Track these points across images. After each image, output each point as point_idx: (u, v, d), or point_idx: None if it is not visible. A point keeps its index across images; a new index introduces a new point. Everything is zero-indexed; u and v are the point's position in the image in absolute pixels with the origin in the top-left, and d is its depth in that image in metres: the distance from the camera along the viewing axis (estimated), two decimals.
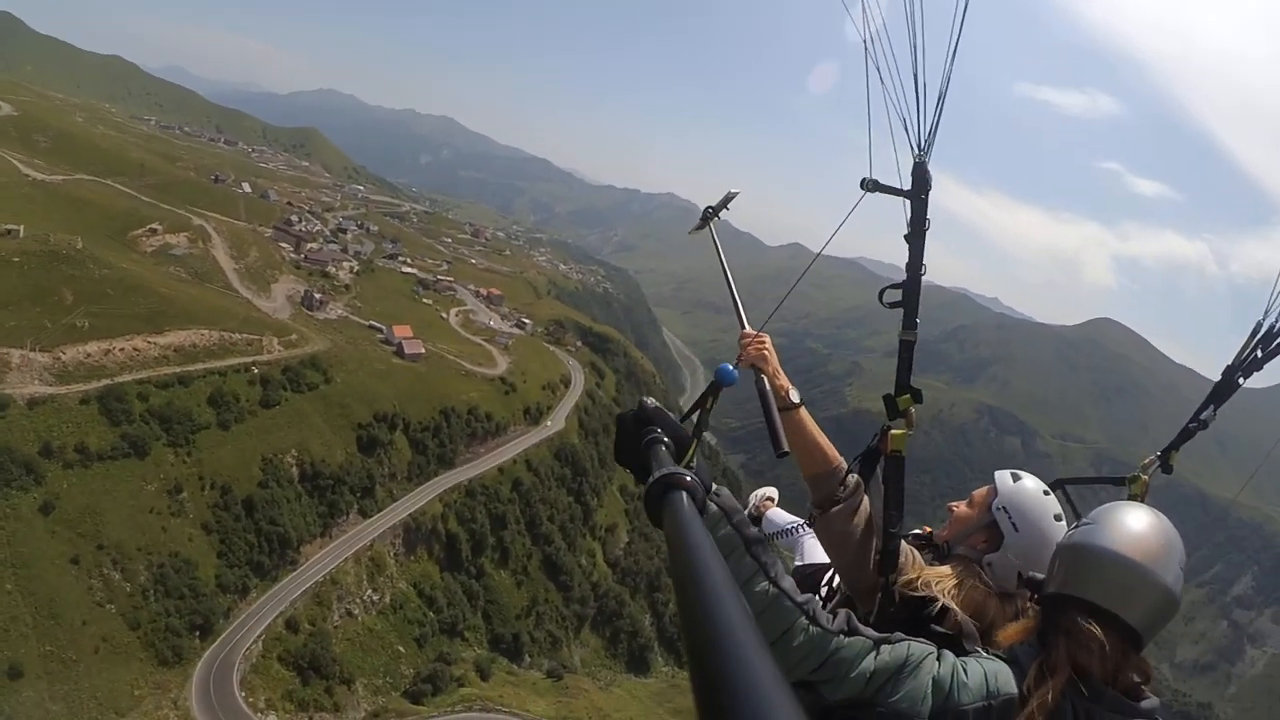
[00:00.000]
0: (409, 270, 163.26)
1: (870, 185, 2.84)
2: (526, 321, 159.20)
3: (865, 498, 3.18)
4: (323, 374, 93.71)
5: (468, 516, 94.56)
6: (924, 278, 2.86)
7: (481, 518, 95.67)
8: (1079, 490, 3.99)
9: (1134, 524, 2.62)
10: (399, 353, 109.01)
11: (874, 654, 2.53)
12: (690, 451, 2.33)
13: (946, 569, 3.24)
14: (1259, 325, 3.84)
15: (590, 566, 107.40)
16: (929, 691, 2.50)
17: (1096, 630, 2.54)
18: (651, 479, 1.72)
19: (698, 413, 2.67)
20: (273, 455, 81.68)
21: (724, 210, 4.67)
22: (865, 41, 2.79)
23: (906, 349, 3.02)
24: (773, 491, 5.66)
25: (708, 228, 4.62)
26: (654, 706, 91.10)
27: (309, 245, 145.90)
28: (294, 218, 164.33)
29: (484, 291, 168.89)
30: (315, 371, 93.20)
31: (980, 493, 3.50)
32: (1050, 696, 2.49)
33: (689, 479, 1.69)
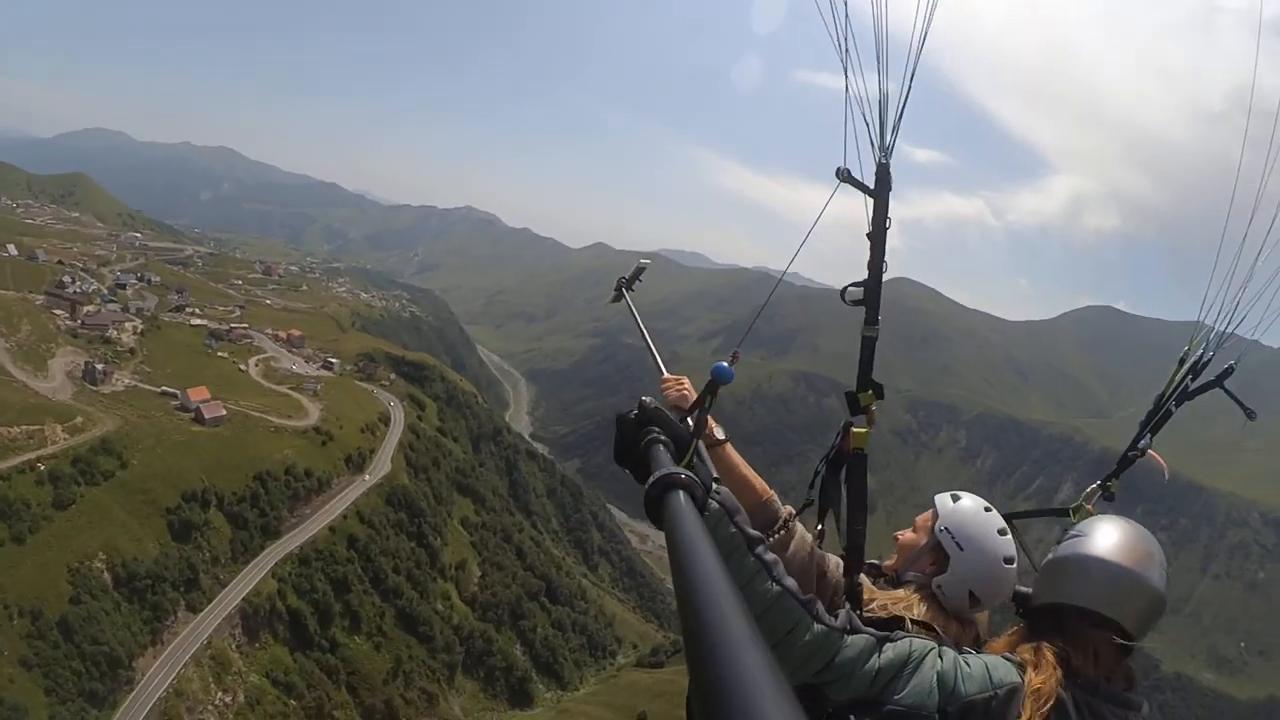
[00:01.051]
0: (199, 322, 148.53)
1: (844, 175, 2.89)
2: (334, 361, 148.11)
3: (800, 528, 3.36)
4: (117, 458, 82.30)
5: (306, 587, 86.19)
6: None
7: (322, 585, 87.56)
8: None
9: (1119, 533, 2.76)
10: (198, 419, 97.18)
11: (878, 652, 2.58)
12: (690, 451, 2.36)
13: (901, 592, 3.31)
14: (1185, 355, 4.14)
15: (448, 610, 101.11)
16: (935, 686, 2.55)
17: (1095, 633, 2.68)
18: (651, 479, 1.72)
19: (697, 412, 2.69)
20: (79, 564, 70.66)
21: (637, 281, 5.13)
22: (842, 56, 2.89)
23: (868, 345, 3.06)
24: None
25: (624, 298, 5.00)
26: None
27: (85, 309, 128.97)
28: (67, 278, 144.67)
29: (283, 334, 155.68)
30: (109, 457, 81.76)
31: (923, 517, 3.55)
32: (1050, 685, 2.58)
33: (689, 478, 1.70)
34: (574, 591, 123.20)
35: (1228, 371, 4.13)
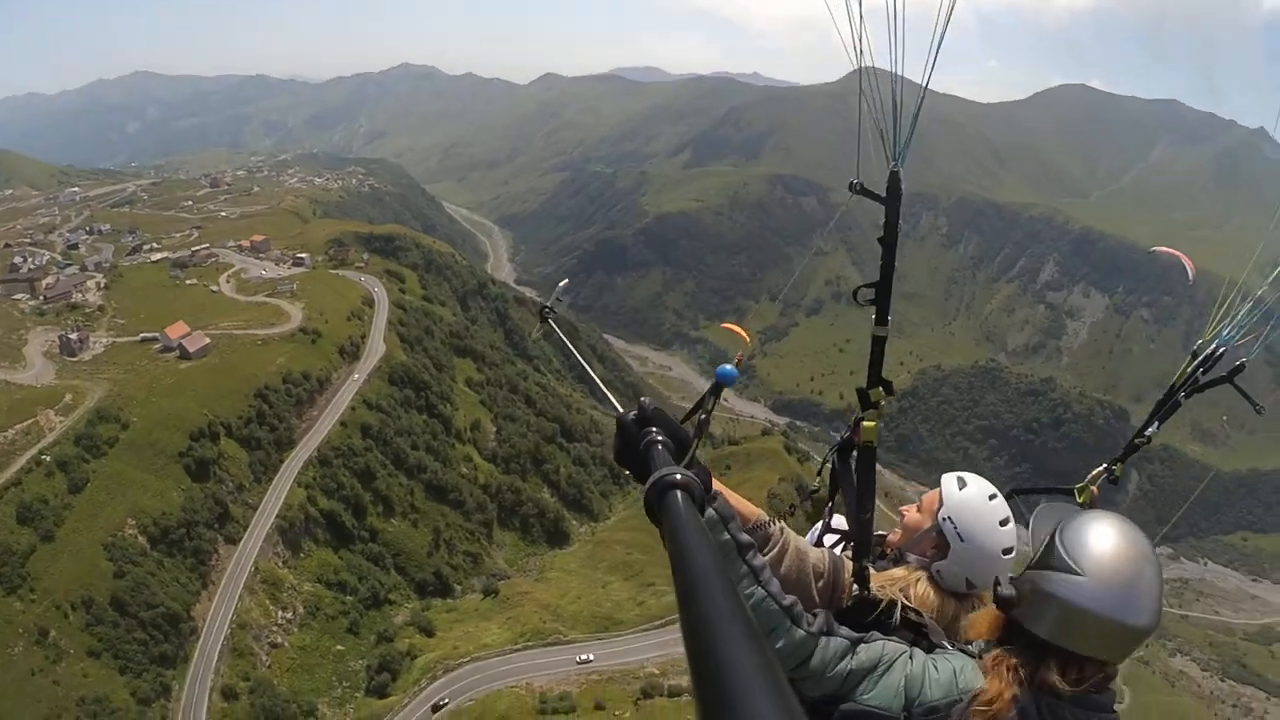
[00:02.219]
0: (159, 256, 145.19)
1: (858, 189, 3.05)
2: (303, 256, 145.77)
3: (792, 539, 3.40)
4: (116, 421, 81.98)
5: (333, 486, 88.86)
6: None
7: (348, 479, 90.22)
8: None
9: (1119, 575, 2.53)
10: (183, 355, 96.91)
11: (851, 654, 2.70)
12: (690, 451, 2.37)
13: (901, 571, 3.42)
14: (1198, 349, 4.24)
15: (473, 471, 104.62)
16: (902, 689, 2.67)
17: (1078, 662, 2.62)
18: (651, 479, 1.74)
19: (699, 414, 2.72)
20: (112, 537, 71.27)
21: (558, 303, 4.98)
22: (859, 72, 3.05)
23: (879, 344, 3.18)
24: None
25: (549, 324, 4.86)
26: (590, 572, 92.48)
27: (45, 282, 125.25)
28: (18, 259, 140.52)
29: (246, 243, 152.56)
30: (108, 424, 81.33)
31: (929, 498, 3.61)
32: (1004, 698, 2.59)
33: (688, 479, 1.71)
34: (587, 426, 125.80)
35: (1238, 369, 4.30)
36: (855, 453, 3.34)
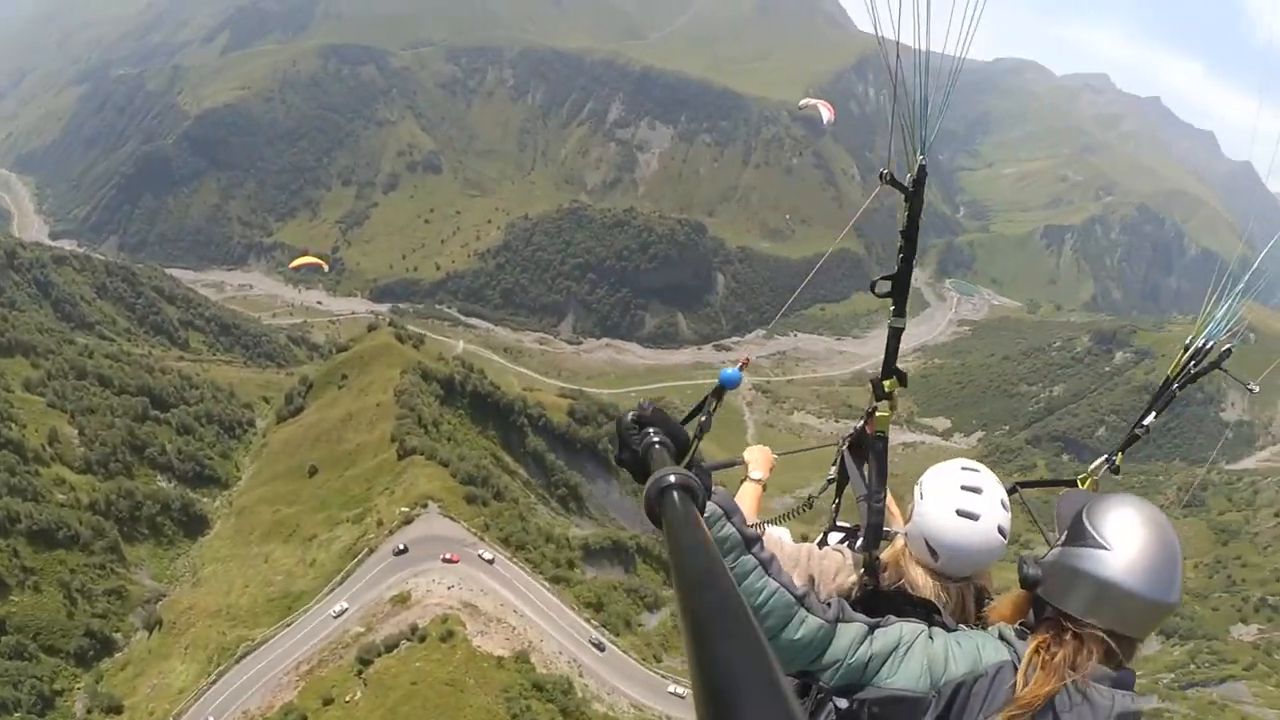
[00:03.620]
0: None
1: (888, 179, 3.00)
2: None
3: (768, 532, 3.61)
4: None
5: None
6: None
7: None
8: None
9: (1146, 551, 2.60)
10: None
11: (869, 639, 2.67)
12: (690, 452, 2.37)
13: (888, 552, 3.41)
14: (1189, 343, 4.53)
15: (70, 494, 75.57)
16: (926, 668, 2.64)
17: (1105, 647, 2.64)
18: (650, 479, 1.72)
19: (700, 415, 2.74)
20: None
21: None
22: (892, 74, 3.10)
23: (895, 336, 3.20)
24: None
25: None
26: (245, 550, 77.06)
27: None
28: None
29: None
30: None
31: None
32: (1048, 690, 2.58)
33: (688, 479, 1.70)
34: (179, 385, 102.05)
35: (1226, 353, 4.50)
36: (865, 444, 3.49)
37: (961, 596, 3.21)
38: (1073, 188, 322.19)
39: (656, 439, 2.23)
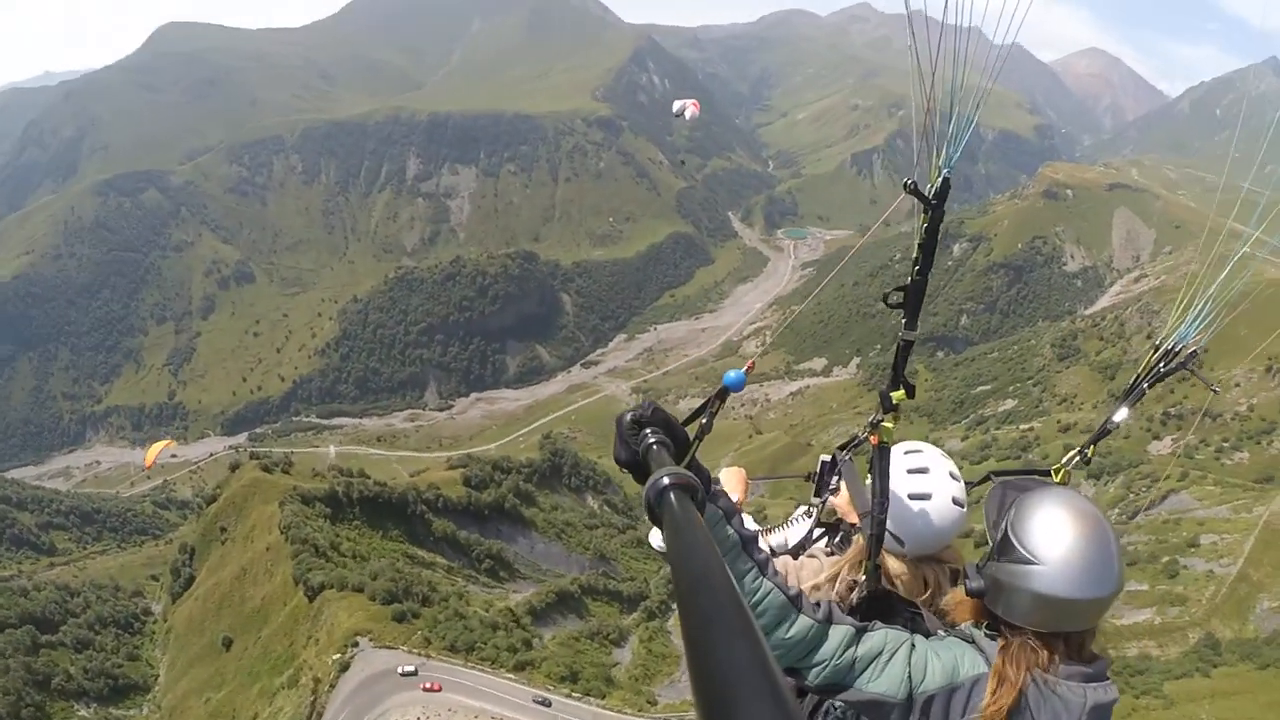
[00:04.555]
0: None
1: (911, 188, 2.98)
2: None
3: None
4: None
5: None
6: None
7: None
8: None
9: (1077, 553, 2.65)
10: None
11: (855, 643, 2.77)
12: (690, 452, 2.39)
13: (853, 550, 3.54)
14: (1159, 343, 4.61)
15: None
16: (906, 677, 2.75)
17: (1065, 645, 2.75)
18: (651, 479, 1.74)
19: (701, 416, 2.76)
20: None
21: None
22: (926, 92, 3.17)
23: (905, 349, 3.22)
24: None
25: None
26: None
27: None
28: None
29: None
30: None
31: None
32: (1013, 694, 2.68)
33: (688, 479, 1.71)
34: (59, 600, 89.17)
35: (1193, 355, 4.59)
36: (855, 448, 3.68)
37: (937, 581, 3.30)
38: (866, 113, 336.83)
39: (655, 439, 2.22)
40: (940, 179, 2.95)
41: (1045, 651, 2.71)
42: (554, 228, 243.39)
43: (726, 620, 0.97)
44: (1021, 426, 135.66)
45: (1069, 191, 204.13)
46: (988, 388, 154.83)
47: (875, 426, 3.22)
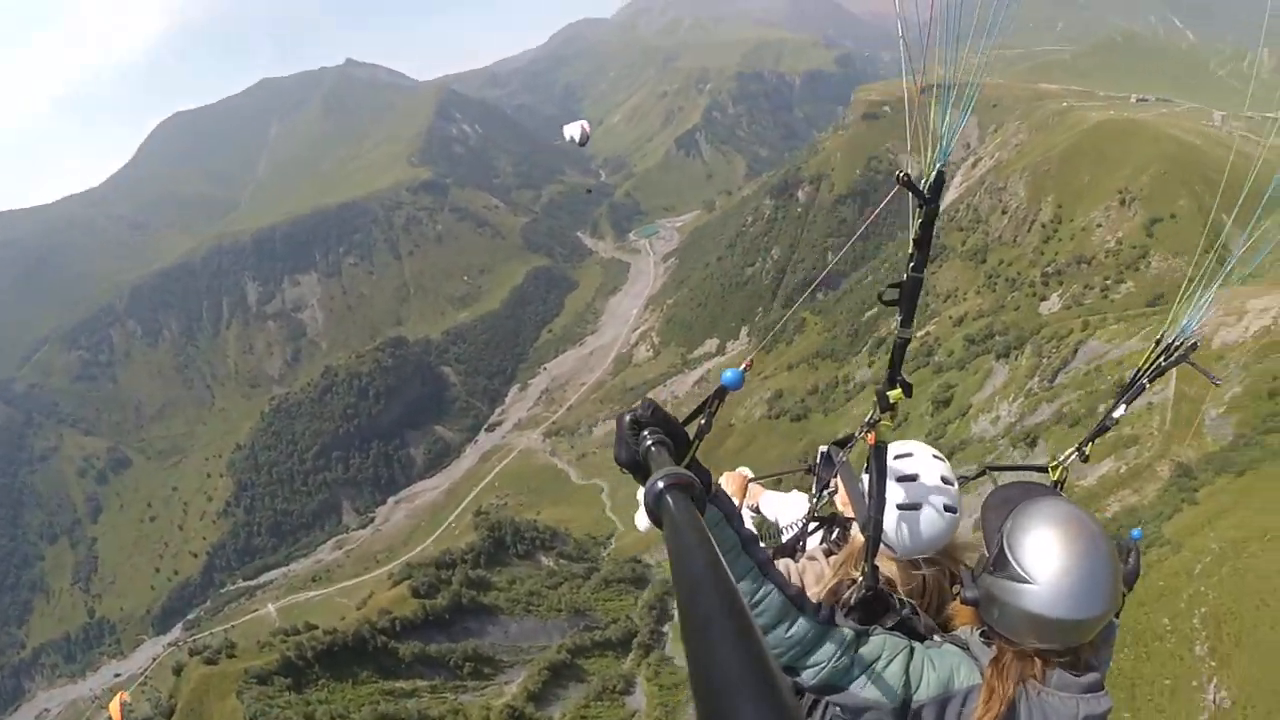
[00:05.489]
0: None
1: (904, 181, 2.96)
2: None
3: None
4: None
5: None
6: None
7: None
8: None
9: (1077, 574, 2.65)
10: None
11: (854, 646, 2.79)
12: (690, 452, 2.38)
13: (846, 549, 3.55)
14: (1160, 338, 4.62)
15: None
16: (902, 683, 2.77)
17: (1050, 660, 2.78)
18: (651, 479, 1.74)
19: (701, 416, 2.71)
20: None
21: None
22: (920, 87, 3.08)
23: (901, 347, 3.21)
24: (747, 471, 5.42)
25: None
26: None
27: None
28: None
29: None
30: None
31: None
32: (1003, 706, 2.72)
33: (688, 479, 1.72)
34: None
35: (1193, 346, 4.58)
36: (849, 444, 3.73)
37: (937, 584, 3.32)
38: (675, 96, 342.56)
39: (655, 439, 2.21)
40: (934, 173, 2.87)
41: (1038, 663, 2.73)
42: (412, 305, 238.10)
43: (726, 620, 0.97)
44: (918, 334, 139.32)
45: (886, 108, 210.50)
46: (874, 311, 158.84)
47: (872, 426, 3.18)
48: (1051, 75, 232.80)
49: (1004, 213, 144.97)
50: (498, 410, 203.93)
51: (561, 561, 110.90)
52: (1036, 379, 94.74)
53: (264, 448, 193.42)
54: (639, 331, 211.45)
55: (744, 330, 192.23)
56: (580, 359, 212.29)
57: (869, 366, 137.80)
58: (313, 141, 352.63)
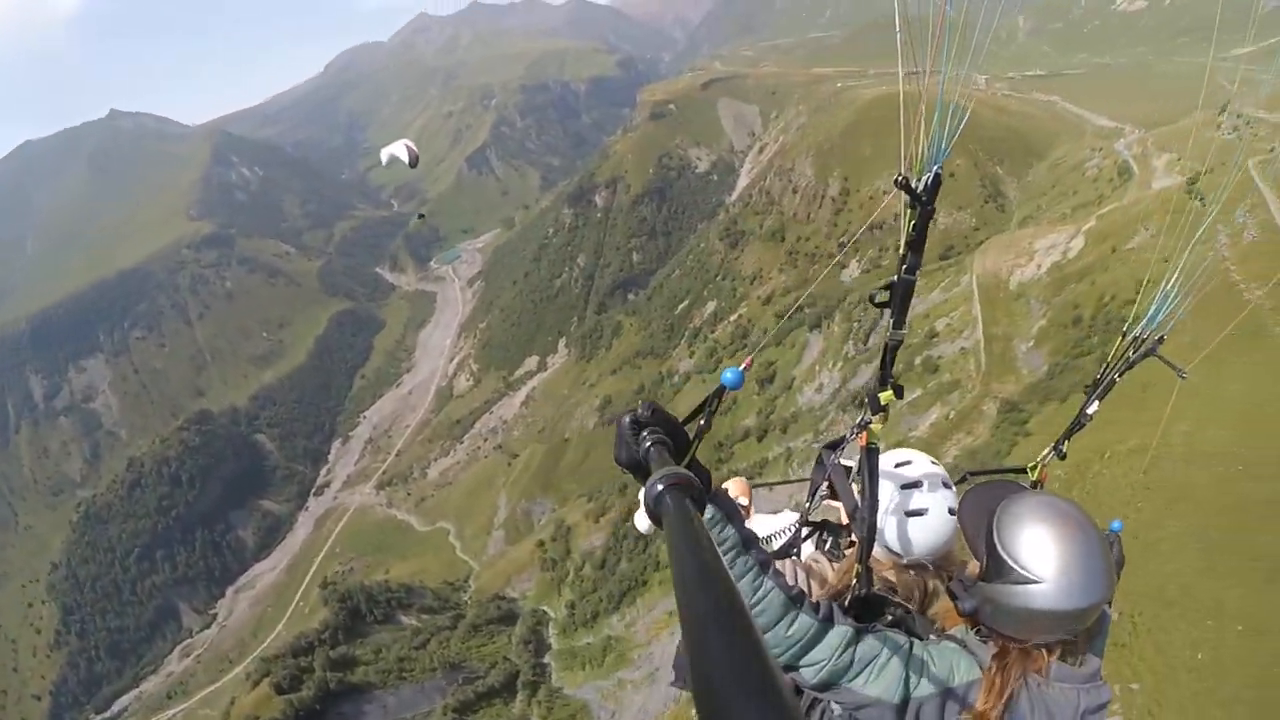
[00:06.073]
0: None
1: (902, 185, 3.00)
2: None
3: None
4: None
5: None
6: None
7: None
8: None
9: (1079, 563, 2.66)
10: None
11: (854, 644, 2.79)
12: (690, 452, 2.38)
13: (849, 556, 3.57)
14: (1126, 331, 4.72)
15: None
16: (901, 680, 2.78)
17: (1047, 654, 2.81)
18: (651, 479, 1.74)
19: (701, 415, 2.69)
20: None
21: None
22: (918, 87, 3.13)
23: (893, 349, 3.21)
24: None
25: None
26: None
27: None
28: None
29: None
30: None
31: None
32: (1005, 699, 2.76)
33: (688, 478, 1.71)
34: None
35: (1159, 340, 4.66)
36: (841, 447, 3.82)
37: (935, 588, 3.34)
38: (461, 115, 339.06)
39: (655, 439, 2.21)
40: (931, 175, 2.93)
41: (1040, 656, 2.76)
42: (212, 373, 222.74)
43: (725, 619, 0.97)
44: (731, 319, 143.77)
45: (671, 106, 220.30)
46: (686, 303, 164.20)
47: (863, 428, 3.24)
48: (826, 59, 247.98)
49: (795, 192, 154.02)
50: (323, 471, 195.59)
51: (424, 617, 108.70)
52: (851, 343, 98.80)
53: (81, 561, 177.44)
54: (456, 361, 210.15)
55: (561, 342, 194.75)
56: (400, 400, 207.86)
57: (690, 357, 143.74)
58: (83, 205, 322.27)
